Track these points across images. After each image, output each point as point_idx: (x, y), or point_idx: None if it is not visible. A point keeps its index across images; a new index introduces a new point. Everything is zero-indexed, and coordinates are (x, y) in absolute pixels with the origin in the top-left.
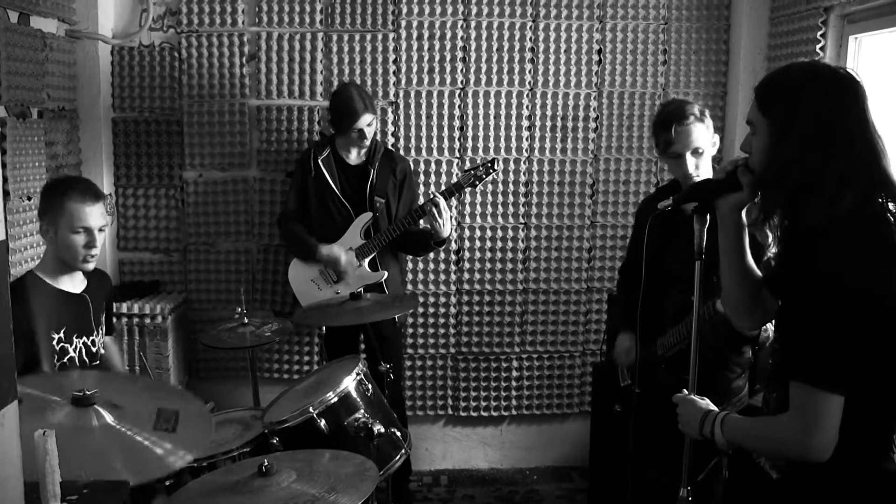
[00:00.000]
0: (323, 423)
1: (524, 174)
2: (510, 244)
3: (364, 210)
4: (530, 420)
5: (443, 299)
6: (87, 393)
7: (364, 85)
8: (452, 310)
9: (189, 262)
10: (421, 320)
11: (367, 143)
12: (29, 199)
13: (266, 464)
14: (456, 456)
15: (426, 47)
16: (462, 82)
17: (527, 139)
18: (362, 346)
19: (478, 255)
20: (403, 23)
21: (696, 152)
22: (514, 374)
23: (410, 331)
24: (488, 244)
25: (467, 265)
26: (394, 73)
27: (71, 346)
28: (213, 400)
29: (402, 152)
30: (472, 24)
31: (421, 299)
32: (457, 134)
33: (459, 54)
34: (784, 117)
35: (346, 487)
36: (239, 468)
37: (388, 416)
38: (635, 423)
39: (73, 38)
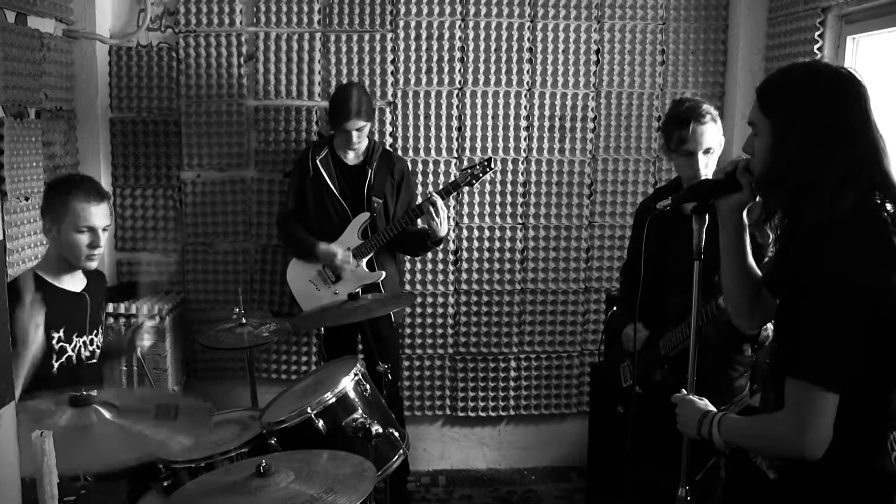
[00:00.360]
0: (321, 423)
1: (522, 174)
2: (508, 244)
3: (362, 210)
4: (528, 420)
5: (441, 299)
6: (85, 393)
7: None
8: (451, 310)
9: (187, 263)
10: (419, 320)
11: (359, 147)
12: (27, 199)
13: (264, 464)
14: (454, 456)
15: (424, 47)
16: (460, 82)
17: (525, 139)
18: (360, 347)
19: (476, 255)
20: (401, 23)
21: (708, 151)
22: (513, 374)
23: (409, 331)
24: (486, 244)
25: (465, 265)
26: (392, 73)
27: (70, 345)
28: (211, 400)
29: (400, 152)
30: (471, 24)
31: (419, 299)
32: (455, 134)
33: (458, 54)
34: (786, 118)
35: (344, 488)
36: (237, 468)
37: (386, 417)
38: (634, 423)
39: (70, 38)
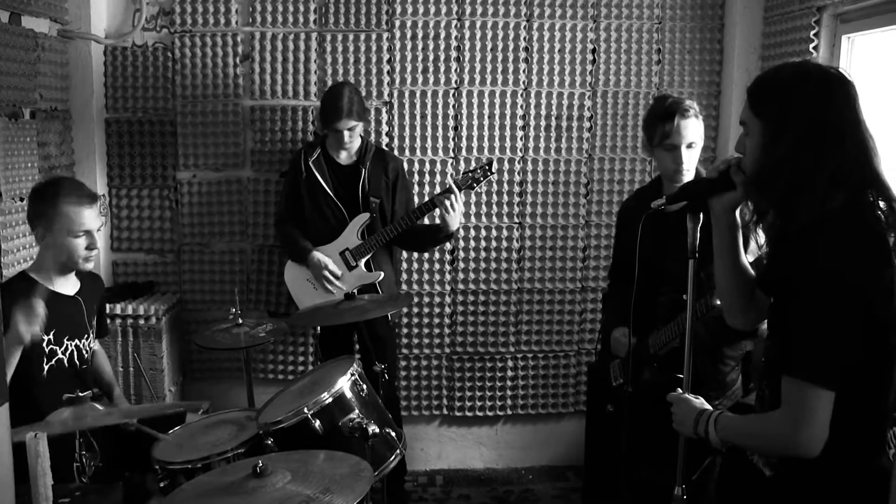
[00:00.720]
0: (318, 423)
1: (518, 174)
2: (505, 244)
3: (357, 210)
4: (525, 420)
5: (437, 299)
6: (81, 395)
7: (358, 85)
8: (447, 310)
9: (183, 263)
10: (416, 320)
11: (351, 146)
12: (21, 199)
13: (261, 465)
14: (451, 456)
15: (420, 47)
16: (456, 82)
17: (521, 139)
18: (356, 347)
19: (472, 254)
20: (397, 22)
21: (691, 146)
22: (510, 373)
23: (405, 331)
24: (483, 244)
25: (462, 265)
26: (387, 72)
27: (61, 348)
28: (207, 401)
29: (396, 152)
30: (466, 23)
31: (416, 299)
32: (451, 134)
33: (453, 54)
34: (776, 117)
35: (341, 488)
36: (233, 469)
37: (383, 417)
38: (628, 422)
39: (65, 38)
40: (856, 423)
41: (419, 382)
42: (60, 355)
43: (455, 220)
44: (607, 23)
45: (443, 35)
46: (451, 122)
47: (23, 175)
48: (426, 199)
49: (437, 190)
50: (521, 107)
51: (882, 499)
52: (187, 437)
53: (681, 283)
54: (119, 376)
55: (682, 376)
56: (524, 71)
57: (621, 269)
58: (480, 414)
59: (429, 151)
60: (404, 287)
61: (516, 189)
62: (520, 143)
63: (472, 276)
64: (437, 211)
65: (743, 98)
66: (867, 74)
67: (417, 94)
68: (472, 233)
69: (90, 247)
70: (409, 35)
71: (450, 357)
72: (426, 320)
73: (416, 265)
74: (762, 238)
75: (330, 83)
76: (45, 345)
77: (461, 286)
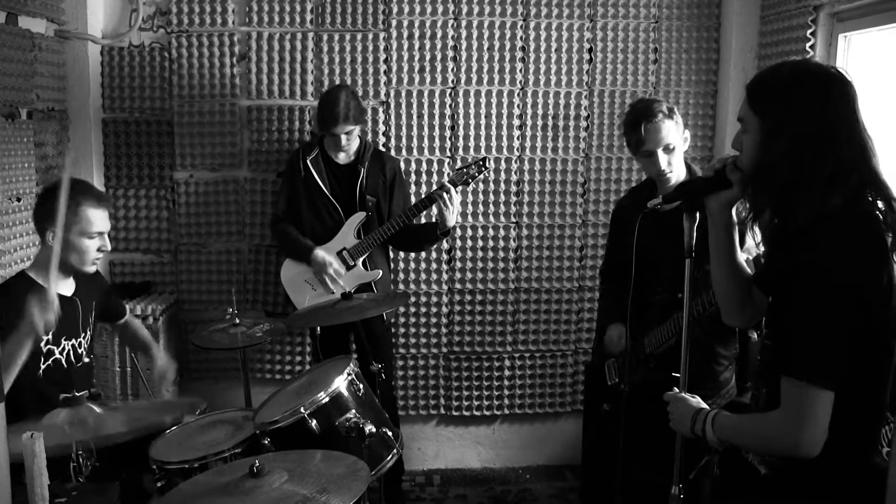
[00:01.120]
0: (314, 423)
1: (515, 173)
2: (502, 243)
3: (354, 210)
4: (523, 419)
5: (434, 299)
6: (77, 395)
7: (354, 84)
8: (444, 309)
9: (180, 263)
10: (413, 320)
11: (349, 148)
12: (18, 199)
13: (257, 464)
14: (448, 455)
15: (417, 47)
16: (453, 81)
17: (518, 138)
18: (353, 347)
19: (469, 254)
20: (394, 22)
21: (668, 149)
22: (507, 373)
23: (402, 330)
24: (480, 243)
25: (459, 264)
26: (384, 72)
27: (58, 347)
28: (204, 400)
29: (392, 152)
30: (463, 23)
31: (413, 299)
32: (448, 133)
33: (450, 53)
34: (775, 116)
35: (338, 488)
36: (230, 469)
37: (380, 416)
38: (624, 421)
39: (62, 39)
40: (851, 422)
41: (416, 382)
42: (58, 355)
43: (452, 217)
44: (604, 22)
45: (439, 35)
46: (447, 122)
47: (20, 175)
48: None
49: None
50: (518, 106)
51: (877, 497)
52: (184, 437)
53: (676, 282)
54: (116, 376)
55: (678, 375)
56: (521, 70)
57: (615, 268)
58: (478, 413)
59: (426, 151)
60: (401, 287)
61: (513, 188)
62: (517, 143)
63: (468, 275)
64: (434, 209)
65: (740, 97)
66: (864, 73)
67: (414, 94)
68: (469, 232)
69: (101, 248)
70: (405, 35)
71: (447, 357)
72: (423, 320)
73: (412, 264)
74: (759, 236)
75: (327, 83)
76: (42, 345)
77: (458, 286)
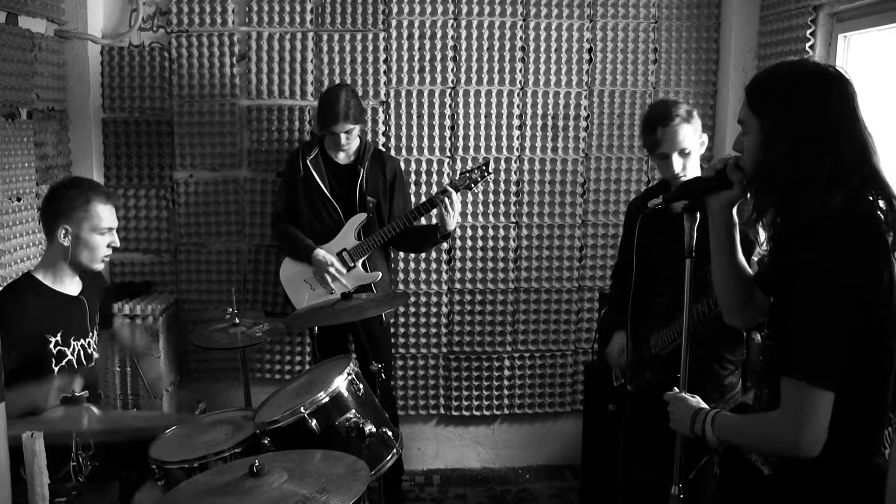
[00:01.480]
0: (314, 423)
1: (515, 173)
2: (501, 243)
3: (353, 210)
4: (522, 419)
5: (434, 299)
6: (77, 394)
7: (354, 84)
8: (444, 309)
9: (180, 263)
10: (413, 320)
11: (349, 148)
12: (18, 199)
13: (257, 464)
14: (448, 455)
15: (417, 47)
16: (453, 81)
17: (518, 138)
18: (352, 347)
19: (469, 254)
20: (394, 22)
21: (683, 153)
22: (507, 373)
23: (402, 330)
24: (480, 243)
25: (459, 265)
26: (384, 72)
27: (69, 348)
28: (204, 400)
29: (392, 152)
30: (463, 23)
31: (412, 299)
32: (448, 133)
33: (450, 53)
34: (775, 116)
35: (338, 488)
36: (230, 469)
37: (380, 416)
38: (627, 421)
39: (62, 39)
40: (853, 423)
41: (416, 382)
42: (70, 356)
43: (453, 221)
44: (604, 22)
45: (439, 35)
46: (447, 122)
47: (20, 175)
48: (423, 199)
49: (434, 190)
50: (518, 106)
51: (879, 498)
52: (184, 437)
53: (681, 282)
54: (116, 376)
55: (680, 376)
56: (521, 70)
57: (623, 269)
58: (477, 413)
59: (425, 151)
60: (401, 287)
61: (513, 188)
62: (516, 143)
63: (468, 275)
64: (435, 211)
65: (739, 97)
66: (864, 73)
67: (414, 94)
68: (469, 232)
69: (111, 244)
70: (405, 35)
71: (447, 356)
72: (423, 320)
73: (412, 265)
74: (763, 236)
75: (327, 83)
76: (52, 346)
77: (458, 286)
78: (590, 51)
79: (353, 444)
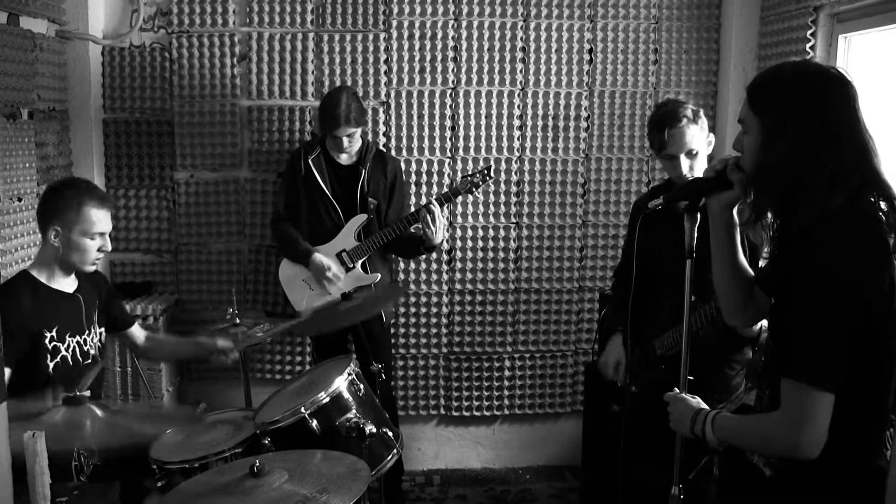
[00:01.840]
0: (315, 423)
1: (516, 174)
2: (502, 244)
3: (354, 211)
4: (523, 419)
5: (435, 299)
6: (79, 395)
7: (355, 85)
8: (444, 309)
9: (180, 263)
10: (413, 320)
11: (351, 150)
12: (20, 199)
13: (258, 464)
14: (448, 456)
15: (417, 47)
16: (453, 82)
17: (518, 139)
18: (352, 347)
19: (470, 254)
20: (394, 23)
21: (690, 154)
22: (507, 373)
23: (402, 331)
24: (480, 244)
25: (459, 265)
26: (385, 73)
27: (63, 344)
28: (204, 400)
29: (393, 152)
30: (464, 23)
31: (413, 299)
32: (448, 134)
33: (451, 54)
34: (775, 116)
35: (338, 488)
36: (230, 469)
37: (380, 416)
38: (628, 422)
39: (63, 39)
40: (854, 424)
41: (416, 382)
42: (64, 352)
43: (438, 234)
44: (604, 23)
45: (440, 35)
46: (448, 123)
47: (21, 175)
48: (423, 199)
49: (434, 190)
50: (518, 107)
51: (879, 499)
52: (184, 437)
53: (683, 283)
54: (117, 376)
55: (690, 378)
56: (521, 71)
57: (627, 269)
58: (478, 414)
59: (426, 151)
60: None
61: (513, 189)
62: (517, 143)
63: (469, 276)
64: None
65: (740, 97)
66: (864, 74)
67: (415, 95)
68: (469, 233)
69: (102, 249)
70: (406, 35)
71: (447, 357)
72: (423, 320)
73: (412, 265)
74: (763, 238)
75: (327, 83)
76: (48, 342)
77: (458, 286)
78: (590, 51)
79: (353, 445)
